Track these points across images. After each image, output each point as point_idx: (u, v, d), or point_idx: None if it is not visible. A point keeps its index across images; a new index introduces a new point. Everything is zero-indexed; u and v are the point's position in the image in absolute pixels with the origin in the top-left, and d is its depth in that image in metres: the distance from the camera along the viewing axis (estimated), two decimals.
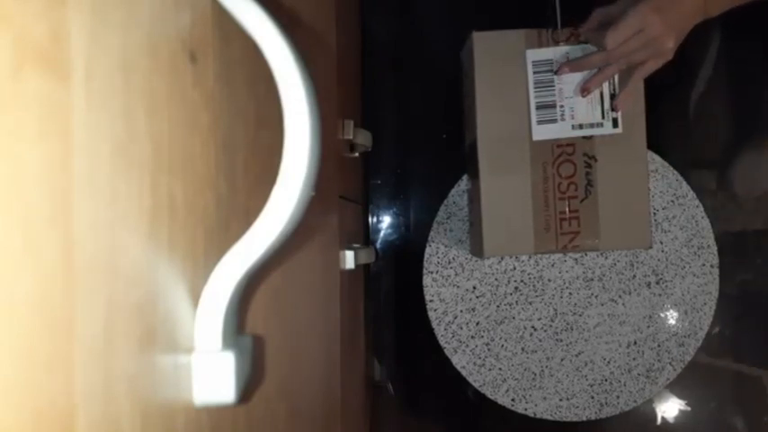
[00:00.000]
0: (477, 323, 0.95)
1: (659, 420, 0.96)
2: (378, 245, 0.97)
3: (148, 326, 0.19)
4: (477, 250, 0.86)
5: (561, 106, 0.80)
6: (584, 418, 0.95)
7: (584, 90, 0.78)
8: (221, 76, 0.26)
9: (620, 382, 0.95)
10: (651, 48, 0.73)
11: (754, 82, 0.96)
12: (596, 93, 0.80)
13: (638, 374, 0.95)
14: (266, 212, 0.23)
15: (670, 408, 0.96)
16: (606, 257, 0.95)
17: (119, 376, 0.17)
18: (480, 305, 0.95)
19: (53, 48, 0.14)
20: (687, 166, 0.95)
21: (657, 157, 0.94)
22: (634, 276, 0.95)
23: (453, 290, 0.95)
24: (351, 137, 0.66)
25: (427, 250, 0.95)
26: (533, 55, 0.81)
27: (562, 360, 0.95)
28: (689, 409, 0.96)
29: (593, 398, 0.95)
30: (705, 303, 0.95)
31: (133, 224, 0.18)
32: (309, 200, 0.24)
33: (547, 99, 0.81)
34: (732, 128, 0.98)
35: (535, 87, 0.81)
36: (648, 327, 0.95)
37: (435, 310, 0.95)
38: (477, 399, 0.95)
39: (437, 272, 0.95)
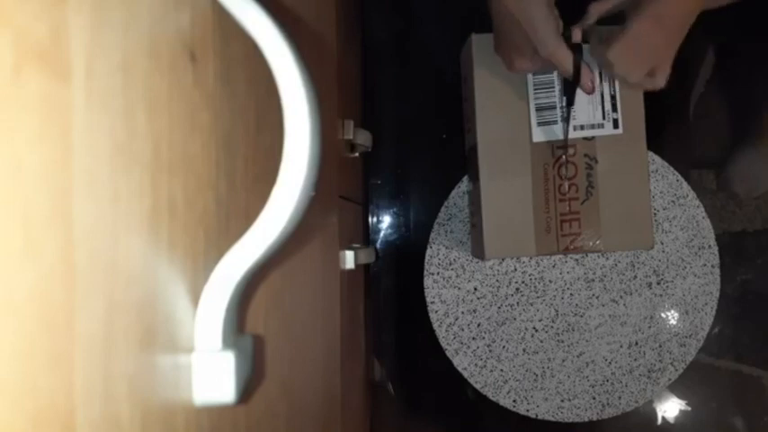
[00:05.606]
0: (479, 324, 0.94)
1: (660, 420, 0.96)
2: (378, 245, 0.97)
3: (148, 326, 0.19)
4: (479, 252, 0.86)
5: (561, 107, 0.80)
6: (586, 419, 0.95)
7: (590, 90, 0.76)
8: (221, 76, 0.26)
9: (621, 382, 0.95)
10: (653, 59, 0.71)
11: (752, 82, 0.96)
12: (597, 94, 0.80)
13: (640, 375, 0.95)
14: (266, 212, 0.23)
15: (671, 408, 0.96)
16: (607, 258, 0.95)
17: (119, 376, 0.17)
18: (481, 306, 0.95)
19: (53, 48, 0.14)
20: (687, 166, 0.95)
21: (657, 158, 0.94)
22: (635, 277, 0.95)
23: (454, 291, 0.95)
24: (351, 137, 0.66)
25: (428, 252, 0.95)
26: None
27: (563, 361, 0.95)
28: (689, 409, 0.96)
29: (594, 398, 0.95)
30: (706, 303, 0.95)
31: (133, 224, 0.18)
32: (309, 200, 0.24)
33: (547, 100, 0.81)
34: (732, 128, 0.98)
35: (535, 89, 0.81)
36: (650, 327, 0.95)
37: (436, 311, 0.95)
38: (477, 400, 0.95)
39: (438, 273, 0.95)
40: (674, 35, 0.69)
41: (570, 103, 0.77)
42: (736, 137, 0.97)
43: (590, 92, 0.71)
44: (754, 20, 0.93)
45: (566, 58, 0.67)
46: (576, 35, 0.70)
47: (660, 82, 0.73)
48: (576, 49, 0.68)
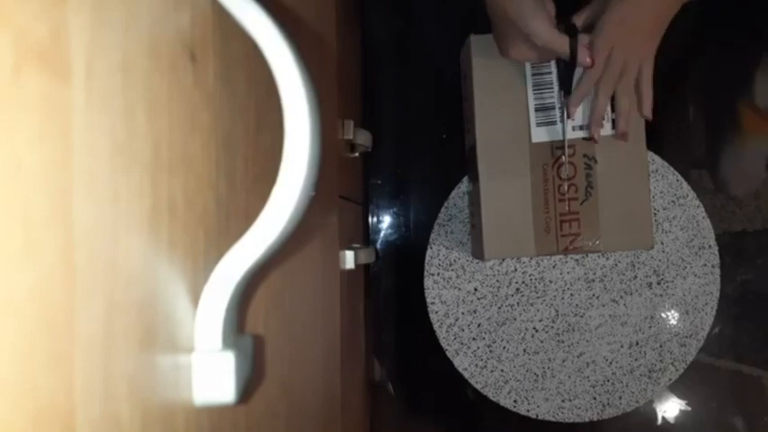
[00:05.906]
0: (479, 325, 0.94)
1: (660, 420, 0.96)
2: (378, 245, 0.97)
3: (149, 325, 0.19)
4: (479, 252, 0.86)
5: (561, 108, 0.80)
6: (587, 419, 0.95)
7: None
8: (221, 76, 0.26)
9: (622, 382, 0.95)
10: (635, 60, 0.72)
11: (751, 81, 0.96)
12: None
13: (641, 375, 0.95)
14: (266, 212, 0.23)
15: (671, 408, 0.96)
16: (607, 258, 0.94)
17: (119, 376, 0.17)
18: (482, 307, 0.95)
19: (53, 48, 0.14)
20: (687, 166, 0.95)
21: (657, 158, 0.94)
22: (635, 277, 0.95)
23: (455, 292, 0.95)
24: (351, 137, 0.66)
25: (428, 252, 0.95)
26: None
27: (564, 361, 0.95)
28: (689, 409, 0.96)
29: (595, 399, 0.95)
30: (706, 303, 0.95)
31: (133, 224, 0.18)
32: (309, 200, 0.24)
33: (546, 101, 0.81)
34: (731, 128, 0.97)
35: (534, 89, 0.81)
36: (650, 327, 0.95)
37: (437, 312, 0.95)
38: (478, 400, 0.95)
39: (438, 274, 0.95)
40: (643, 35, 0.70)
41: (568, 92, 0.77)
42: (722, 137, 0.97)
43: (589, 66, 0.72)
44: (754, 18, 0.93)
45: (562, 45, 0.69)
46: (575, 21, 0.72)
47: (647, 82, 0.74)
48: (571, 32, 0.70)
